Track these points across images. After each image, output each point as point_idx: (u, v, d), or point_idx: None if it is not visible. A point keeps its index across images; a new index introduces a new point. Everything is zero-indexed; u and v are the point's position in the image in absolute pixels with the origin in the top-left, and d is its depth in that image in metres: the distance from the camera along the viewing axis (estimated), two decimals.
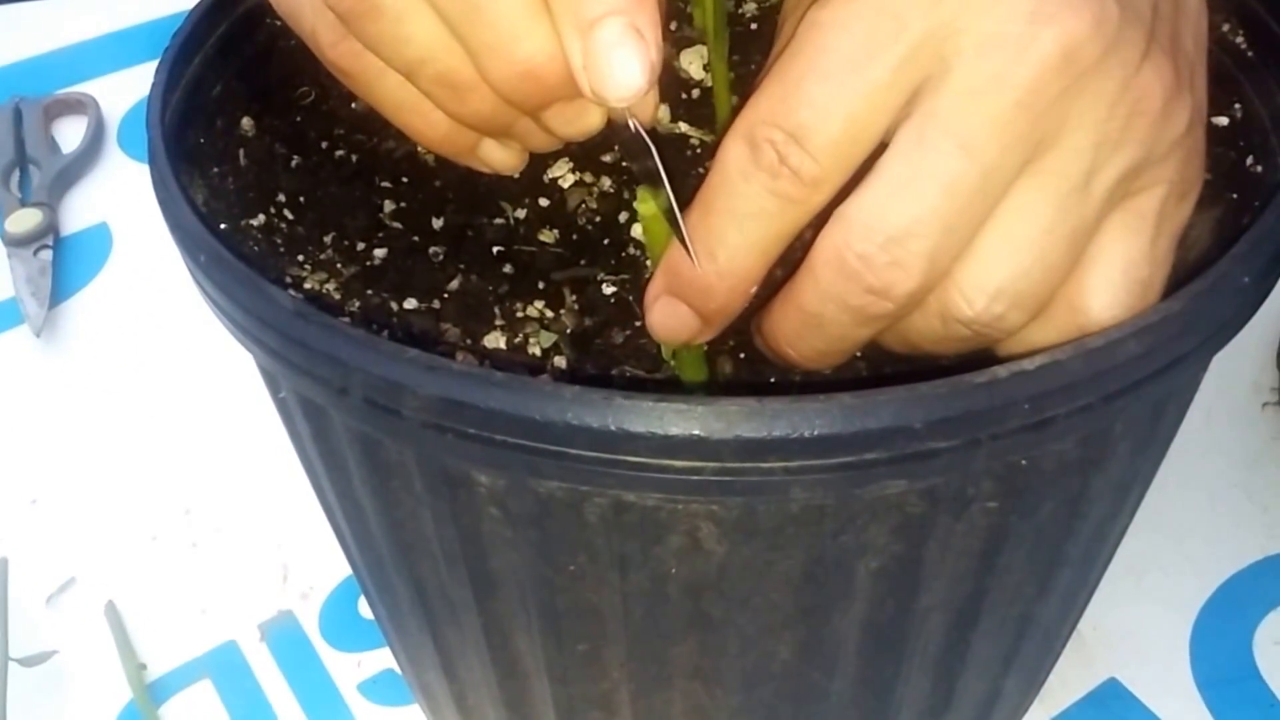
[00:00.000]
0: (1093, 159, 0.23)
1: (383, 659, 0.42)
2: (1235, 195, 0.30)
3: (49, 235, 0.56)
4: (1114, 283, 0.24)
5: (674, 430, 0.22)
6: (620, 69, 0.23)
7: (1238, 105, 0.32)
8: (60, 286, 0.55)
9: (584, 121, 0.27)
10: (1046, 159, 0.23)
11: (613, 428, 0.22)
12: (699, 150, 0.33)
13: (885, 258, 0.23)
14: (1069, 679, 0.40)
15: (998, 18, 0.22)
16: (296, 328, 0.24)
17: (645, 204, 0.25)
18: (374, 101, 0.29)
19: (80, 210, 0.59)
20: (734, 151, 0.24)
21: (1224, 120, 0.31)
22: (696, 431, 0.22)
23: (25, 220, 0.56)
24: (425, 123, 0.28)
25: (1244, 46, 0.32)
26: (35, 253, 0.55)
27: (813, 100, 0.23)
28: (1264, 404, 0.49)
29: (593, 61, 0.23)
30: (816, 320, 0.24)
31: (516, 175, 0.32)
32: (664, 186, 0.24)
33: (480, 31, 0.25)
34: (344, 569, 0.42)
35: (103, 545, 0.46)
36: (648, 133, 0.24)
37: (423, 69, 0.26)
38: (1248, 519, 0.45)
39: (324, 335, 0.24)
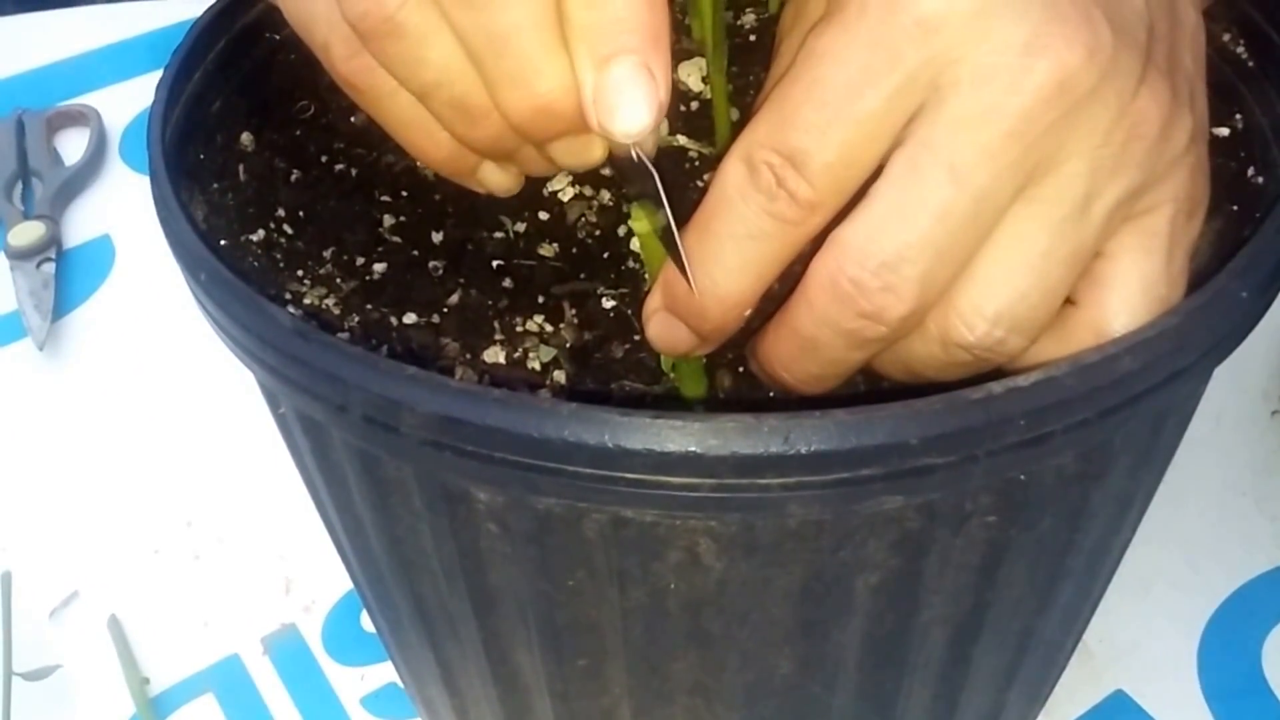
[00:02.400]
0: (1089, 184, 0.23)
1: (386, 673, 0.42)
2: (1236, 207, 0.29)
3: (52, 248, 0.56)
4: (1134, 303, 0.24)
5: (671, 447, 0.22)
6: (629, 107, 0.24)
7: (1238, 116, 0.32)
8: (63, 299, 0.55)
9: (588, 155, 0.27)
10: (1043, 185, 0.23)
11: (610, 445, 0.22)
12: (697, 163, 0.33)
13: (878, 283, 0.23)
14: (1075, 691, 0.40)
15: (992, 49, 0.22)
16: (295, 346, 0.24)
17: (639, 221, 0.25)
18: (381, 118, 0.29)
19: (83, 223, 0.59)
20: (732, 173, 0.24)
21: (1225, 131, 0.31)
22: (693, 448, 0.22)
23: (28, 233, 0.56)
24: (431, 143, 0.28)
25: (1245, 56, 0.32)
26: (38, 266, 0.55)
27: (809, 126, 0.23)
28: (1273, 412, 0.48)
29: (603, 97, 0.24)
30: (811, 344, 0.25)
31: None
32: (664, 210, 0.24)
33: (500, 63, 0.25)
34: (346, 582, 0.42)
35: (105, 558, 0.46)
36: (649, 157, 0.25)
37: (437, 92, 0.26)
38: (1256, 529, 0.45)
39: (322, 353, 0.24)
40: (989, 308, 0.24)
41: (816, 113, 0.23)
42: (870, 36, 0.23)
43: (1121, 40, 0.23)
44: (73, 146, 0.63)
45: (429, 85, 0.26)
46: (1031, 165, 0.23)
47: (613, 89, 0.24)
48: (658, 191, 0.24)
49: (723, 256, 0.24)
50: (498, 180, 0.30)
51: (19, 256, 0.56)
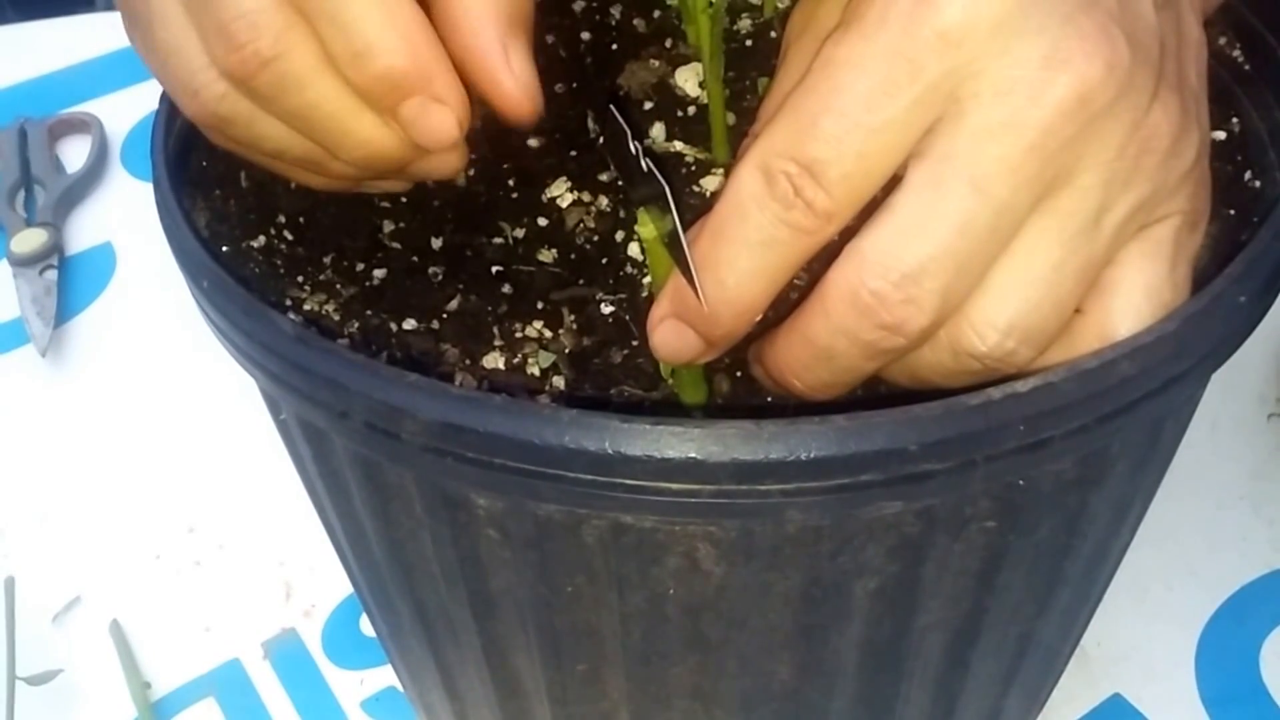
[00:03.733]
0: (1102, 197, 0.23)
1: (385, 677, 0.42)
2: (1232, 211, 0.30)
3: (54, 255, 0.56)
4: (1140, 309, 0.24)
5: (671, 453, 0.22)
6: (431, 135, 0.28)
7: (1235, 120, 0.32)
8: (65, 306, 0.55)
9: (447, 168, 0.31)
10: (1058, 198, 0.23)
11: (610, 451, 0.22)
12: (693, 168, 0.33)
13: (899, 295, 0.23)
14: (1073, 695, 0.40)
15: (1012, 62, 0.23)
16: (297, 352, 0.24)
17: (645, 227, 0.25)
18: (254, 161, 0.31)
19: (85, 230, 0.60)
20: (748, 181, 0.24)
21: (1221, 135, 0.31)
22: (693, 454, 0.22)
23: (30, 240, 0.56)
24: (302, 177, 0.32)
25: (1241, 60, 0.32)
26: (40, 272, 0.55)
27: (828, 136, 0.23)
28: (1269, 415, 0.48)
29: (408, 131, 0.28)
30: (826, 353, 0.25)
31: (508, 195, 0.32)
32: (672, 215, 0.24)
33: (318, 133, 0.29)
34: (346, 586, 0.42)
35: (107, 564, 0.46)
36: (653, 156, 0.25)
37: (281, 156, 0.30)
38: (1253, 532, 0.45)
39: (324, 360, 0.24)
40: (1001, 319, 0.24)
41: (835, 123, 0.23)
42: (891, 47, 0.23)
43: (1137, 55, 0.23)
44: (74, 154, 0.63)
45: (272, 153, 0.30)
46: (1050, 178, 0.23)
47: (410, 127, 0.28)
48: (666, 197, 0.24)
49: (736, 263, 0.25)
50: (383, 188, 0.33)
51: (21, 263, 0.56)
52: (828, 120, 0.23)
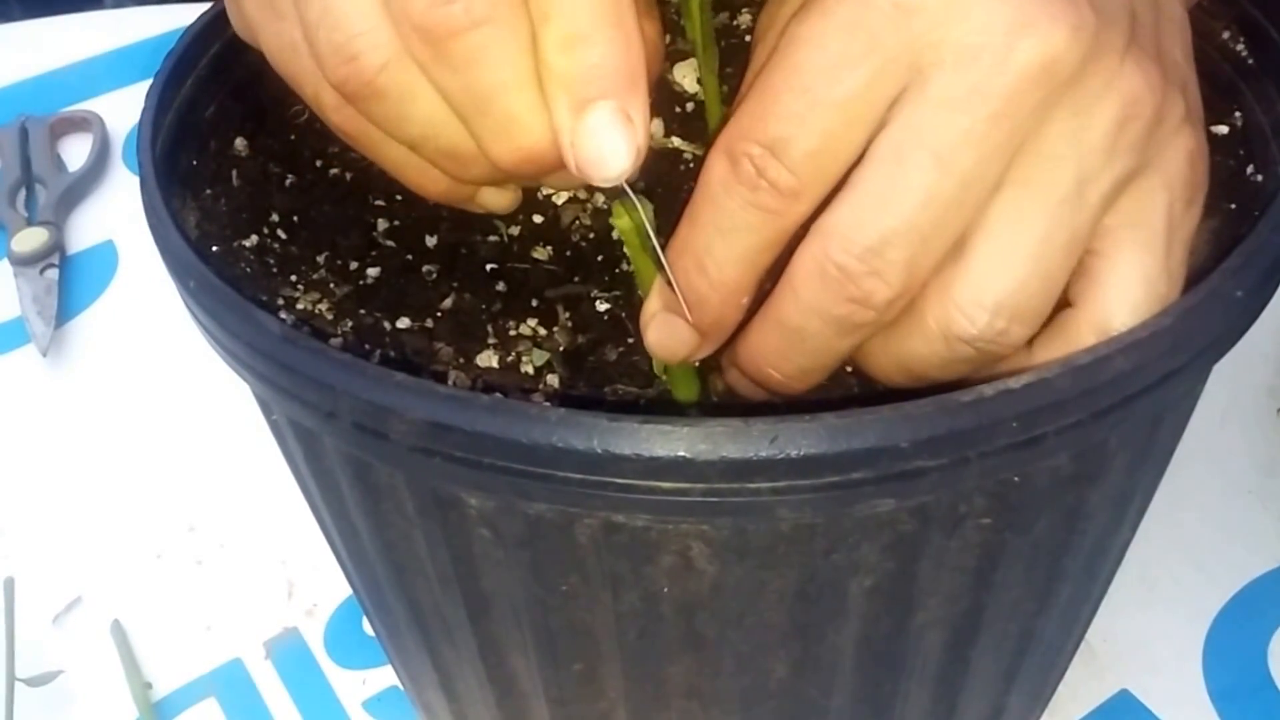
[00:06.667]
0: (1080, 166, 0.23)
1: (388, 676, 0.42)
2: (1234, 205, 0.29)
3: (55, 254, 0.56)
4: (1135, 300, 0.24)
5: (660, 452, 0.22)
6: (607, 152, 0.24)
7: (1238, 113, 0.31)
8: (66, 305, 0.55)
9: (578, 182, 0.27)
10: (1031, 169, 0.23)
11: (599, 450, 0.22)
12: (692, 165, 0.32)
13: (863, 268, 0.23)
14: (1079, 691, 0.40)
15: (974, 29, 0.22)
16: (284, 352, 0.24)
17: (620, 218, 0.25)
18: (376, 160, 0.29)
19: (86, 228, 0.59)
20: (715, 167, 0.24)
21: (1224, 129, 0.31)
22: (682, 453, 0.21)
23: (31, 239, 0.56)
24: (427, 179, 0.29)
25: (1244, 54, 0.32)
26: (41, 272, 0.55)
27: (789, 113, 0.23)
28: (1278, 409, 0.48)
29: (581, 143, 0.24)
30: (798, 334, 0.24)
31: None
32: (639, 213, 0.24)
33: (484, 120, 0.25)
34: (348, 586, 0.42)
35: (108, 564, 0.46)
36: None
37: (425, 144, 0.27)
38: (1262, 526, 0.44)
39: (311, 360, 0.24)
40: (989, 298, 0.23)
41: (796, 99, 0.23)
42: (848, 20, 0.23)
43: (1103, 18, 0.23)
44: (76, 152, 0.63)
45: (415, 139, 0.27)
46: (1017, 147, 0.23)
47: (590, 135, 0.24)
48: (629, 193, 0.24)
49: (713, 249, 0.24)
50: (496, 200, 0.31)
51: (22, 263, 0.56)
52: (788, 98, 0.23)
